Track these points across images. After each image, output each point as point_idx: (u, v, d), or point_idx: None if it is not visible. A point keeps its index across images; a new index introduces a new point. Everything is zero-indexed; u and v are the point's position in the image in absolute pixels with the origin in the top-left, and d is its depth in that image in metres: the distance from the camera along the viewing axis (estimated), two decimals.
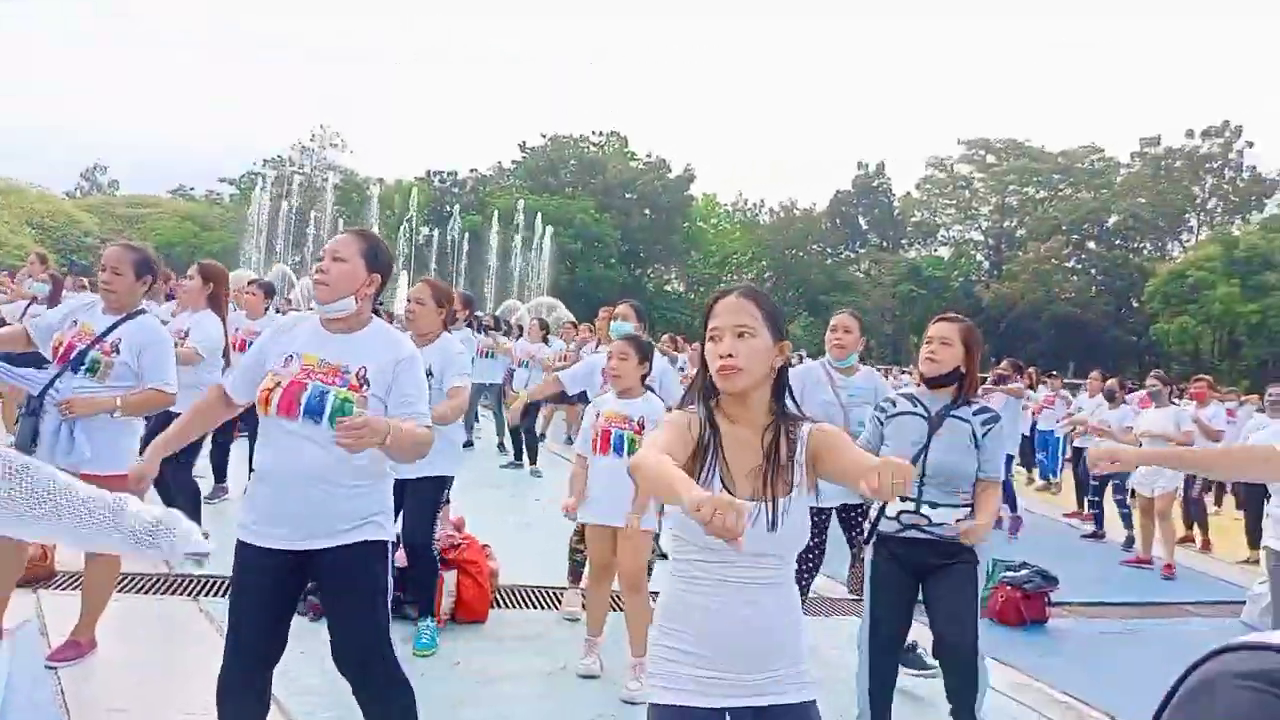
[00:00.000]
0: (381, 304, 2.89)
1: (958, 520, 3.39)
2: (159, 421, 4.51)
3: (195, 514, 5.69)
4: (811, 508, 2.11)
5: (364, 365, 2.71)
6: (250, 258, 39.09)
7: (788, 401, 2.10)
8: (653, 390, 4.39)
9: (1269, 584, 4.17)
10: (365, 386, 2.69)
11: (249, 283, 7.56)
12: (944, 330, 3.51)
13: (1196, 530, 9.49)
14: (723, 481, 1.97)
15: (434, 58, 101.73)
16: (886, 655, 3.57)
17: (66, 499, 1.56)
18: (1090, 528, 9.48)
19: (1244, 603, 6.59)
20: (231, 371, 2.93)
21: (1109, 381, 10.56)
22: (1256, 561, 8.38)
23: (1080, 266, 52.08)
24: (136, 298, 3.97)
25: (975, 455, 3.43)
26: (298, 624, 4.46)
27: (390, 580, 2.80)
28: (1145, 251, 51.97)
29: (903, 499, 3.44)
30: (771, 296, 2.11)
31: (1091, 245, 52.16)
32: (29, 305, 7.81)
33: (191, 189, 63.06)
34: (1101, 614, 6.34)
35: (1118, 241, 51.74)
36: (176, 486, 5.66)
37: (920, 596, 3.56)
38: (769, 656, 2.00)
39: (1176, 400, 9.57)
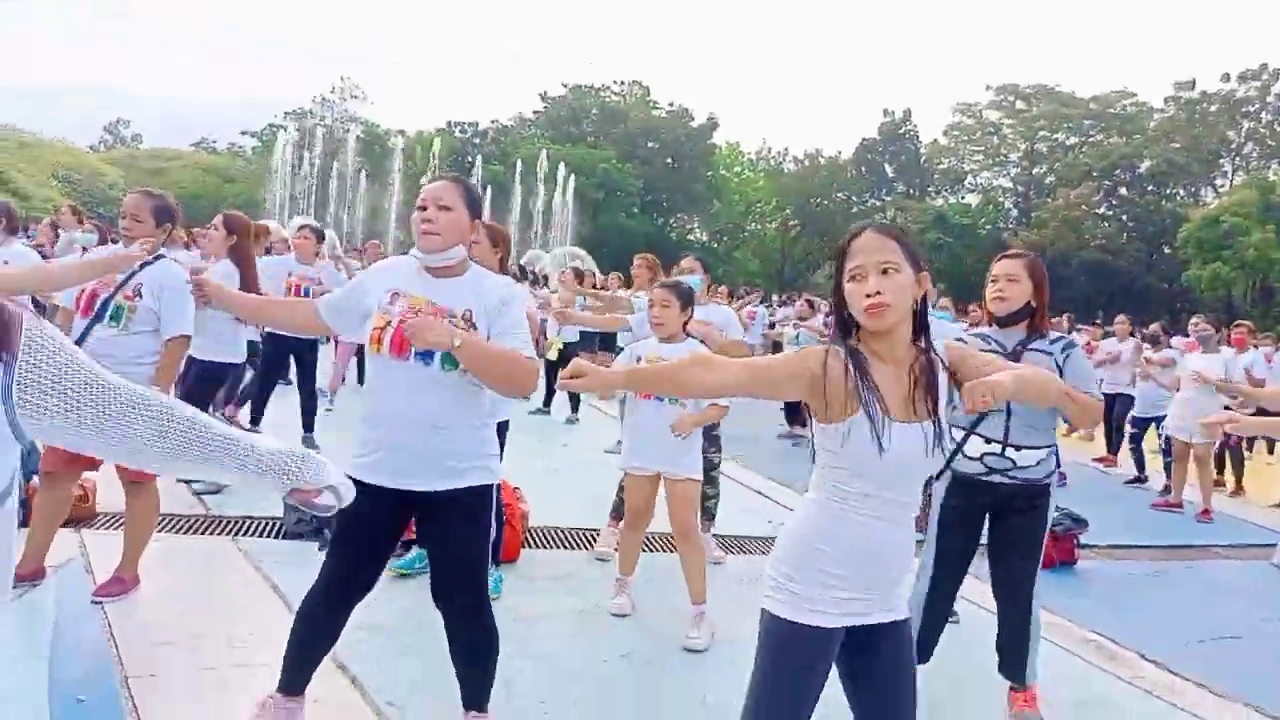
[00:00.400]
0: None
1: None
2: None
3: None
4: None
5: (469, 308, 2.73)
6: (273, 209, 39.12)
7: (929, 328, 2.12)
8: (693, 337, 4.37)
9: None
10: (473, 328, 2.70)
11: (300, 227, 7.59)
12: (1010, 267, 3.46)
13: (1229, 475, 9.41)
14: (883, 411, 1.98)
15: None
16: (943, 598, 3.59)
17: (209, 437, 1.58)
18: (1122, 472, 9.44)
19: (1274, 545, 6.57)
20: (327, 296, 3.00)
21: (1152, 326, 10.43)
22: None
23: (1111, 213, 51.21)
24: (157, 244, 3.99)
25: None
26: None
27: (494, 522, 2.87)
28: (1178, 197, 50.98)
29: (987, 440, 3.43)
30: (906, 233, 2.12)
31: (1123, 191, 51.23)
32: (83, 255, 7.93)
33: (214, 142, 63.17)
34: (1130, 556, 6.32)
35: (1150, 187, 50.78)
36: None
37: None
38: (902, 577, 2.11)
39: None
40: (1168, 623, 4.94)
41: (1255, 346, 10.48)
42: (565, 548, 5.33)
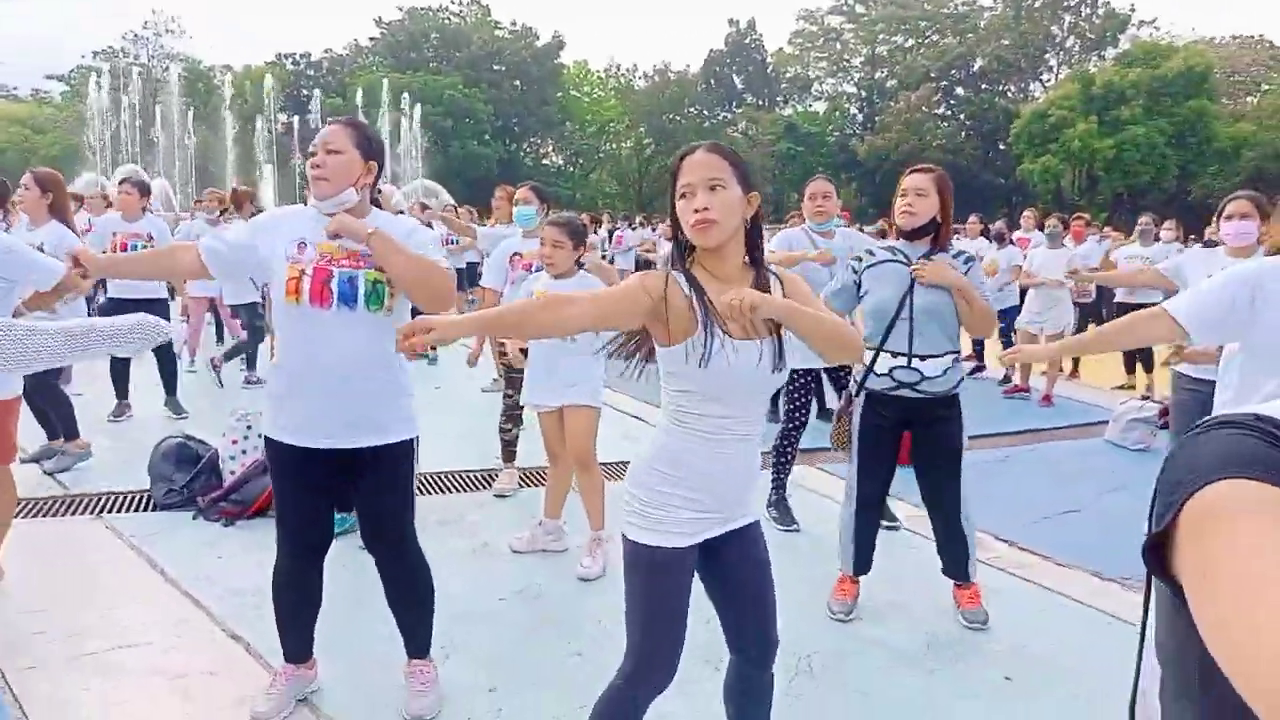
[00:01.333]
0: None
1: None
2: None
3: (71, 424, 5.52)
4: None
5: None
6: (93, 159, 36.29)
7: (762, 249, 2.16)
8: (587, 272, 4.28)
9: (1173, 401, 4.51)
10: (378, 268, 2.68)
11: (121, 181, 7.04)
12: (919, 181, 3.54)
13: (1067, 361, 10.11)
14: (722, 330, 2.02)
15: None
16: (870, 509, 3.76)
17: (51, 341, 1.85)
18: (972, 365, 10.04)
19: (1107, 423, 7.17)
20: (211, 240, 2.78)
21: (996, 224, 10.93)
22: (1131, 387, 9.10)
23: (950, 113, 53.18)
24: None
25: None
26: (208, 531, 4.50)
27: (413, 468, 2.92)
28: (1010, 94, 53.29)
29: (894, 354, 3.54)
30: (735, 151, 2.12)
31: (960, 91, 53.18)
32: None
33: (15, 89, 57.68)
34: (981, 445, 6.79)
35: (984, 86, 52.87)
36: (46, 401, 5.45)
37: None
38: (749, 492, 2.21)
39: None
40: (1013, 503, 5.36)
41: (1096, 239, 11.18)
42: (451, 491, 5.34)
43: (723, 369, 2.01)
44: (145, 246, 6.39)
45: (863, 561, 3.82)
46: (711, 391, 2.05)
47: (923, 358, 3.54)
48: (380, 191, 3.25)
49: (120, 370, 6.67)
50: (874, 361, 3.60)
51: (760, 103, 57.70)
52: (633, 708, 2.18)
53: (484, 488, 5.40)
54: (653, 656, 2.14)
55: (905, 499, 4.79)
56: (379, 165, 2.80)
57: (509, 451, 5.41)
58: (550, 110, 55.50)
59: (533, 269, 4.82)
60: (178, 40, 53.64)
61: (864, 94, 56.94)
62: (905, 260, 3.58)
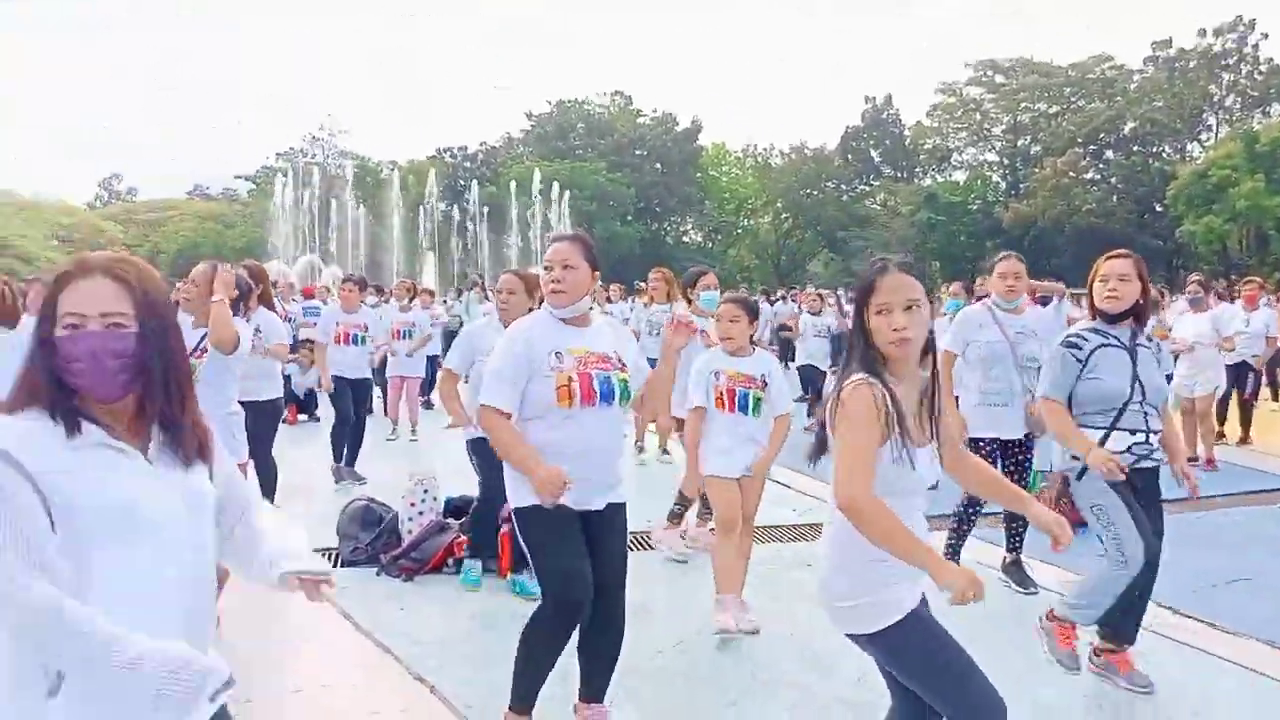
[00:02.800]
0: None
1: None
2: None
3: (272, 490, 6.14)
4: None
5: (616, 350, 3.24)
6: (276, 250, 39.55)
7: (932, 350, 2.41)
8: (763, 349, 4.60)
9: None
10: (625, 368, 3.23)
11: (344, 279, 8.15)
12: (1121, 267, 3.75)
13: (1238, 427, 9.63)
14: (909, 433, 2.26)
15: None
16: (1150, 569, 3.69)
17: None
18: None
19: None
20: (495, 393, 3.10)
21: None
22: None
23: (1099, 177, 51.37)
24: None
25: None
26: (390, 585, 4.92)
27: None
28: (1165, 155, 51.12)
29: (1132, 432, 3.67)
30: (917, 269, 2.38)
31: (1110, 154, 51.40)
32: None
33: (208, 188, 63.66)
34: None
35: (1136, 148, 50.94)
36: (258, 467, 6.08)
37: None
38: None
39: (1222, 300, 9.68)
40: (1185, 572, 5.19)
41: (1268, 301, 10.66)
42: None
43: (916, 471, 2.27)
44: (364, 337, 7.39)
45: (1129, 632, 3.83)
46: (895, 489, 2.26)
47: (1155, 432, 3.70)
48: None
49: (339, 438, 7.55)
50: (1104, 441, 3.66)
51: (899, 175, 57.38)
52: None
53: (640, 549, 5.66)
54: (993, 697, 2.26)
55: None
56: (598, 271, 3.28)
57: (675, 517, 5.64)
58: (690, 190, 56.84)
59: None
60: (348, 139, 58.03)
61: (1007, 161, 55.80)
62: (1118, 342, 3.73)
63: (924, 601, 2.37)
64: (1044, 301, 9.58)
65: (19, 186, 50.50)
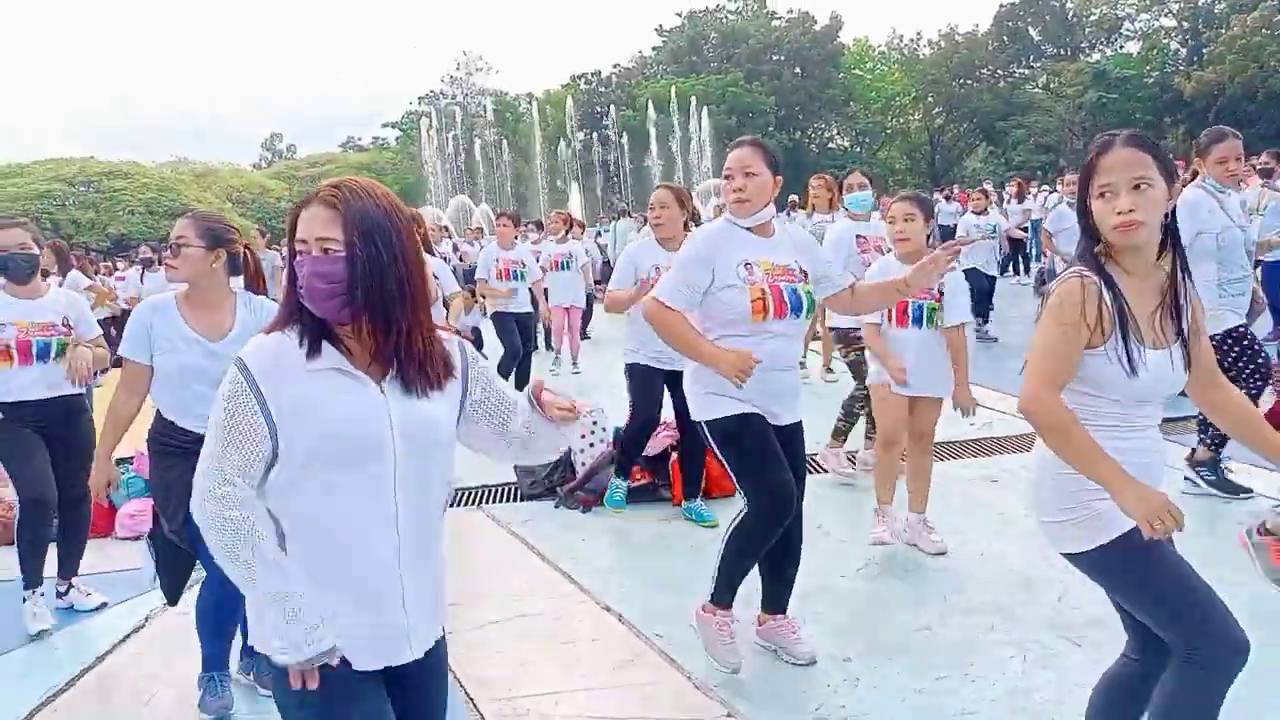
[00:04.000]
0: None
1: None
2: None
3: None
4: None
5: (797, 260, 3.14)
6: (428, 194, 40.81)
7: (1181, 245, 2.11)
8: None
9: None
10: (806, 278, 3.14)
11: (499, 215, 8.36)
12: None
13: None
14: (1134, 337, 2.03)
15: None
16: None
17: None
18: None
19: None
20: (672, 292, 3.07)
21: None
22: None
23: None
24: None
25: None
26: (569, 517, 5.04)
27: None
28: None
29: None
30: (1157, 143, 2.07)
31: None
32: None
33: (359, 139, 66.12)
34: None
35: None
36: None
37: None
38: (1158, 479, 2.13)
39: None
40: None
41: None
42: None
43: (1141, 376, 2.02)
44: (522, 272, 7.55)
45: None
46: (1119, 395, 2.06)
47: None
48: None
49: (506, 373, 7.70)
50: None
51: (1062, 53, 53.16)
52: (1224, 689, 2.03)
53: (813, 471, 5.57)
54: (1225, 622, 2.00)
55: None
56: (781, 176, 3.15)
57: (842, 434, 5.52)
58: (833, 93, 54.65)
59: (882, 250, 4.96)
60: (487, 77, 58.72)
61: (1186, 25, 50.67)
62: None
63: None
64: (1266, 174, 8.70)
65: (192, 154, 54.06)
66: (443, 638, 1.85)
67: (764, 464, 3.07)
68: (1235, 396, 2.21)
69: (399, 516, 1.69)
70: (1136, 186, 1.98)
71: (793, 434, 3.23)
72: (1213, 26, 47.87)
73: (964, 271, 9.89)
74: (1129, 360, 2.00)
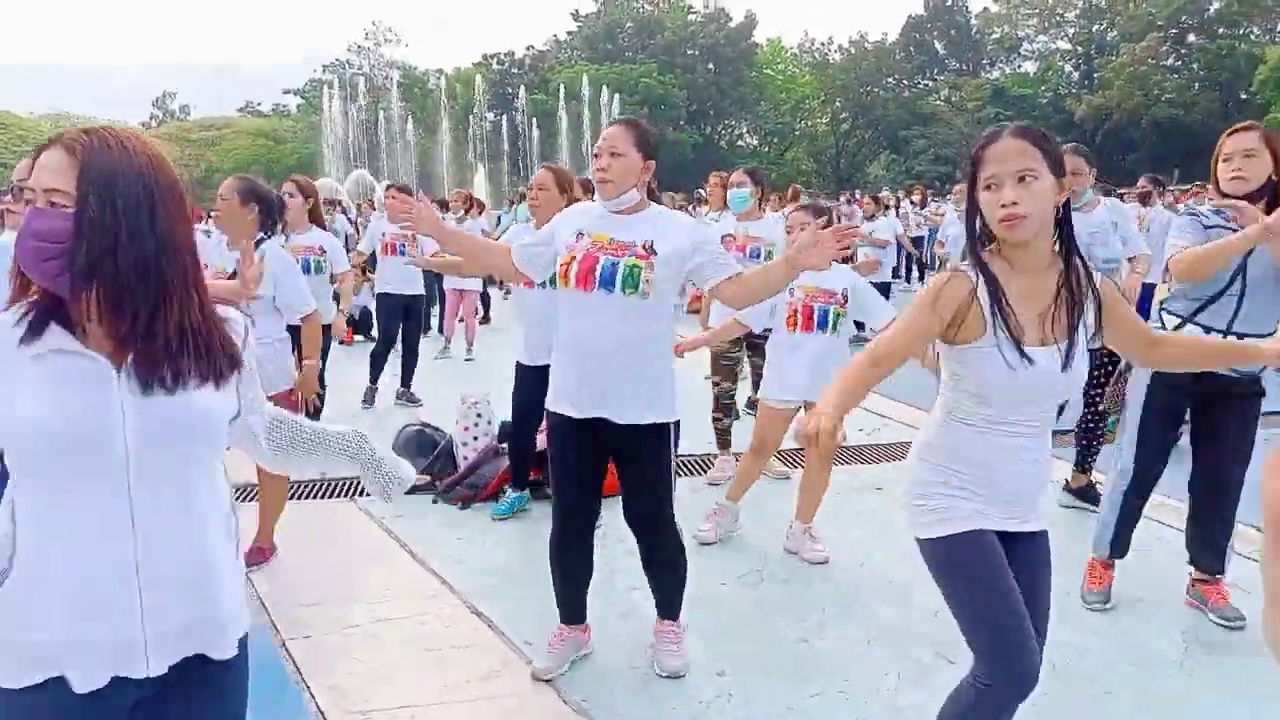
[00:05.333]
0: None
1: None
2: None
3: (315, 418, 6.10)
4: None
5: (650, 238, 2.89)
6: (326, 165, 39.48)
7: (1074, 238, 2.03)
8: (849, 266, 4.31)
9: None
10: (653, 255, 2.87)
11: (388, 187, 7.89)
12: (1245, 141, 3.17)
13: None
14: (1010, 330, 1.95)
15: None
16: (1147, 490, 3.55)
17: (322, 439, 1.82)
18: None
19: None
20: (519, 245, 3.11)
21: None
22: None
23: (1180, 64, 48.57)
24: (247, 224, 4.07)
25: None
26: (447, 513, 4.82)
27: (673, 458, 3.05)
28: (1252, 37, 48.02)
29: (1207, 329, 3.29)
30: (1046, 135, 1.98)
31: (1192, 38, 48.45)
32: None
33: (259, 104, 63.62)
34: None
35: (1221, 30, 47.89)
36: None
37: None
38: (1035, 493, 2.13)
39: None
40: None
41: None
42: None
43: (1019, 373, 1.95)
44: (406, 246, 7.10)
45: (1123, 544, 3.62)
46: (997, 396, 2.00)
47: (1240, 336, 3.21)
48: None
49: (378, 359, 7.36)
50: (1179, 328, 3.35)
51: (964, 68, 54.94)
52: (1000, 714, 2.07)
53: (690, 474, 5.49)
54: (1009, 651, 2.01)
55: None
56: (656, 161, 2.98)
57: (724, 440, 5.47)
58: (744, 91, 55.21)
59: (752, 253, 4.92)
60: (395, 49, 57.20)
61: (1080, 50, 52.95)
62: (1238, 228, 3.16)
63: (1024, 545, 2.11)
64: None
65: (73, 108, 51.07)
66: (238, 655, 1.60)
67: (556, 479, 3.15)
68: (1177, 339, 2.27)
69: (136, 518, 1.41)
70: (1022, 179, 1.91)
71: (637, 435, 2.97)
72: (1104, 53, 50.16)
73: None
74: (1004, 357, 1.95)
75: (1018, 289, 1.97)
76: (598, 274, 2.84)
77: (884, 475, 5.38)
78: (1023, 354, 1.94)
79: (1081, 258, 2.03)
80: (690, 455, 5.75)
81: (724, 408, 5.43)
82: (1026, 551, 2.12)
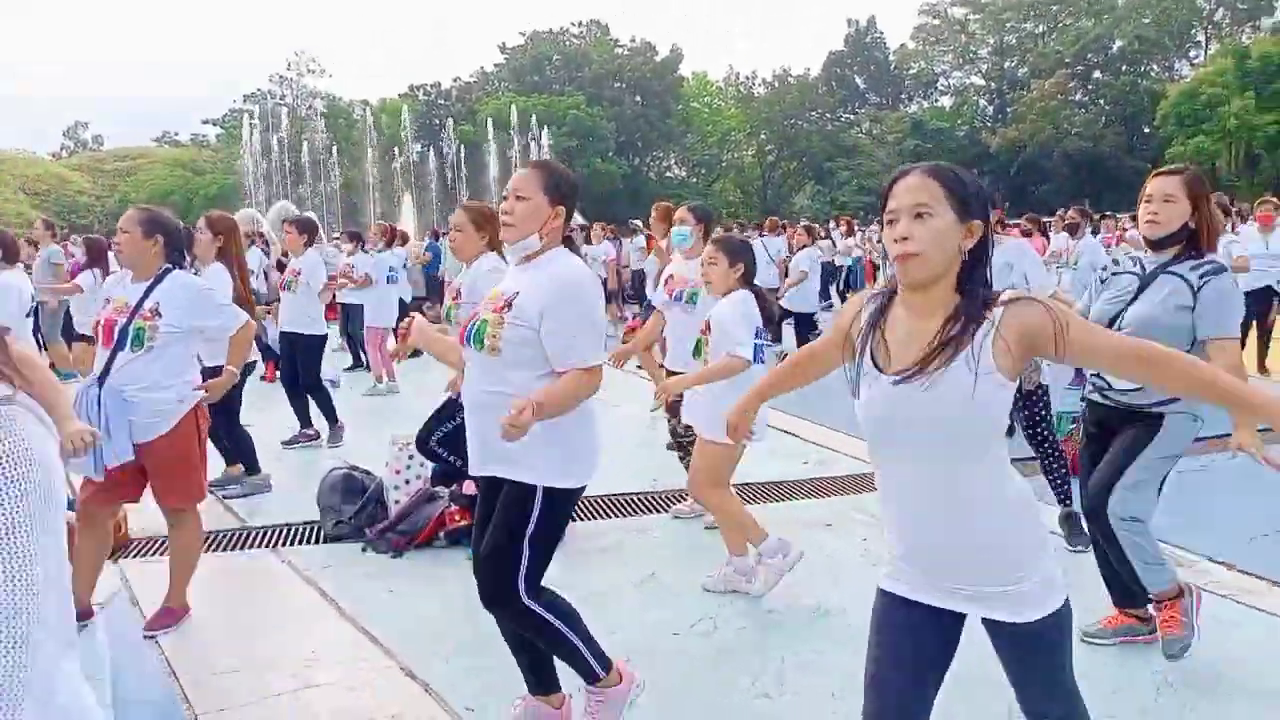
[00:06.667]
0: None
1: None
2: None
3: (252, 459, 5.76)
4: None
5: (519, 290, 2.69)
6: (247, 196, 38.45)
7: (981, 288, 1.84)
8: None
9: None
10: (507, 310, 2.67)
11: (284, 221, 7.65)
12: (1165, 186, 3.19)
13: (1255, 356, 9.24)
14: (873, 354, 1.87)
15: None
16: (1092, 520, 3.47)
17: None
18: None
19: None
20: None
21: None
22: None
23: (1088, 99, 50.65)
24: (151, 258, 3.84)
25: (1189, 314, 3.12)
26: (378, 563, 4.52)
27: (532, 526, 2.68)
28: (1154, 74, 50.36)
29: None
30: (958, 175, 1.85)
31: (1098, 75, 50.62)
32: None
33: (176, 134, 61.96)
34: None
35: (1124, 67, 50.15)
36: (227, 435, 5.69)
37: None
38: (969, 566, 1.88)
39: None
40: (1226, 520, 4.87)
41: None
42: (604, 516, 5.23)
43: (861, 397, 1.89)
44: (299, 282, 6.86)
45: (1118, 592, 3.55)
46: (864, 425, 1.92)
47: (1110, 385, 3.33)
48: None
49: (322, 398, 7.11)
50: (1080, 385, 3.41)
51: (884, 101, 56.40)
52: None
53: (644, 512, 5.28)
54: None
55: None
56: (569, 207, 2.78)
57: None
58: (671, 123, 55.73)
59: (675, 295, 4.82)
60: (319, 79, 56.23)
61: (993, 85, 54.83)
62: (1140, 270, 3.30)
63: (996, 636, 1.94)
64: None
65: None
66: None
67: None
68: (1102, 334, 1.96)
69: None
70: (918, 215, 1.79)
71: (498, 492, 2.76)
72: (1016, 88, 52.01)
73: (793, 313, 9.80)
74: (853, 379, 1.92)
75: (906, 328, 1.86)
76: (469, 330, 2.77)
77: (832, 509, 5.24)
78: (866, 378, 1.88)
79: (976, 304, 1.83)
80: (637, 493, 5.54)
81: (681, 445, 5.16)
82: (999, 645, 1.94)
